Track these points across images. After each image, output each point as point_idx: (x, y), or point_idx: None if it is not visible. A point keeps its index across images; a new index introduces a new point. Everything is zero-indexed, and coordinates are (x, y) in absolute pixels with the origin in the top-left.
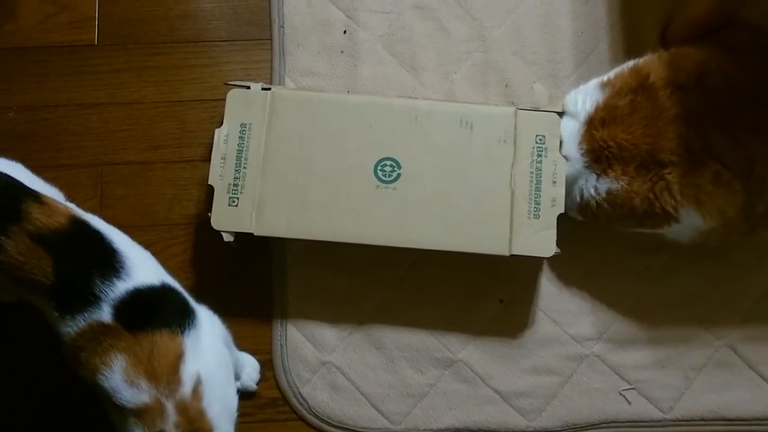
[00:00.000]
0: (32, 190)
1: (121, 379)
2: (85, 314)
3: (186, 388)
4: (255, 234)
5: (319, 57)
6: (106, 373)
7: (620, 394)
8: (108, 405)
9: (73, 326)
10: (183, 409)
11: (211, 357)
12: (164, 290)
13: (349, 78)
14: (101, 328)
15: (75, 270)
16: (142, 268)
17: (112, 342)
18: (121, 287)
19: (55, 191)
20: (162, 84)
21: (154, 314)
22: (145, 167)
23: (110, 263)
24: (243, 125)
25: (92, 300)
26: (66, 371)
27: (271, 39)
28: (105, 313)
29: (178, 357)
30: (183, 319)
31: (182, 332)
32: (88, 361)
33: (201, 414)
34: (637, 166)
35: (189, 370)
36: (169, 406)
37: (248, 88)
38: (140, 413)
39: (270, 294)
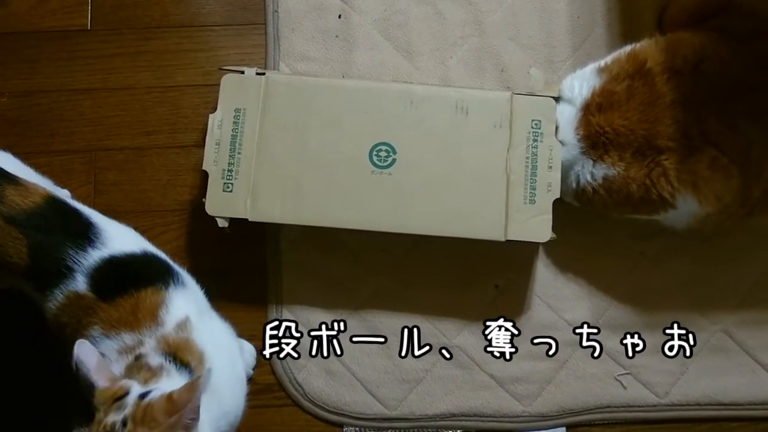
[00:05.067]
0: (9, 173)
1: (103, 340)
2: (62, 287)
3: (168, 327)
4: (250, 220)
5: (313, 42)
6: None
7: (616, 379)
8: None
9: (53, 301)
10: (163, 339)
11: (208, 315)
12: (146, 256)
13: (344, 63)
14: (79, 300)
15: (47, 244)
16: (121, 239)
17: (91, 313)
18: (95, 255)
19: (45, 180)
20: (156, 69)
21: (136, 277)
22: (139, 153)
23: (84, 234)
24: (237, 110)
25: (65, 272)
26: (57, 361)
27: (265, 24)
28: (80, 283)
29: (160, 305)
30: (166, 276)
31: (166, 287)
32: (72, 335)
33: (185, 341)
34: (634, 152)
35: (173, 313)
36: (149, 341)
37: (242, 73)
38: (120, 352)
39: (265, 280)
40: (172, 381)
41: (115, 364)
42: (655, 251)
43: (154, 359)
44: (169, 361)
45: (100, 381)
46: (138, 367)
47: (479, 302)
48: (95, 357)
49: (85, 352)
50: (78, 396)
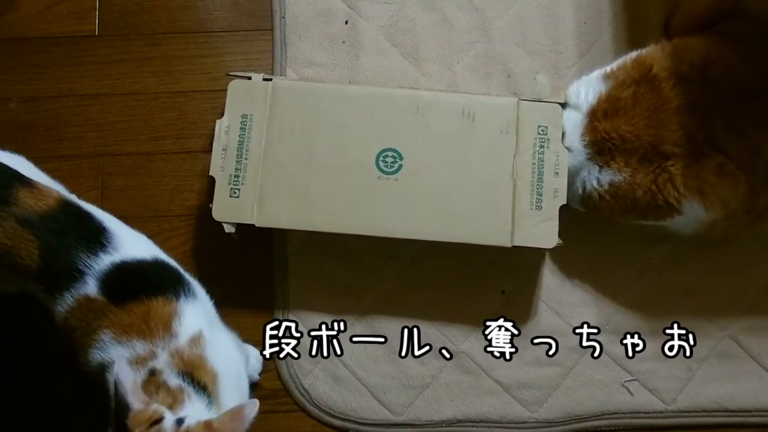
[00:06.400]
0: (23, 176)
1: (114, 345)
2: (72, 290)
3: (181, 339)
4: (256, 225)
5: (320, 47)
6: (99, 347)
7: (623, 385)
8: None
9: (62, 304)
10: (177, 353)
11: (218, 327)
12: (157, 263)
13: (351, 68)
14: (89, 303)
15: (59, 247)
16: (133, 245)
17: (102, 316)
18: (106, 260)
19: (59, 185)
20: (163, 75)
21: (148, 284)
22: (146, 158)
23: (96, 239)
24: (244, 116)
25: (76, 275)
26: (65, 366)
27: (272, 29)
28: (90, 287)
29: (172, 316)
30: (177, 287)
31: (177, 299)
32: (81, 339)
33: (200, 358)
34: (640, 158)
35: (186, 326)
36: (162, 353)
37: (249, 78)
38: (132, 361)
39: (271, 285)
40: (194, 407)
41: None
42: (662, 257)
43: (172, 379)
44: (187, 383)
45: (135, 403)
46: (156, 384)
47: (486, 308)
48: (132, 378)
49: (123, 372)
50: (109, 415)
